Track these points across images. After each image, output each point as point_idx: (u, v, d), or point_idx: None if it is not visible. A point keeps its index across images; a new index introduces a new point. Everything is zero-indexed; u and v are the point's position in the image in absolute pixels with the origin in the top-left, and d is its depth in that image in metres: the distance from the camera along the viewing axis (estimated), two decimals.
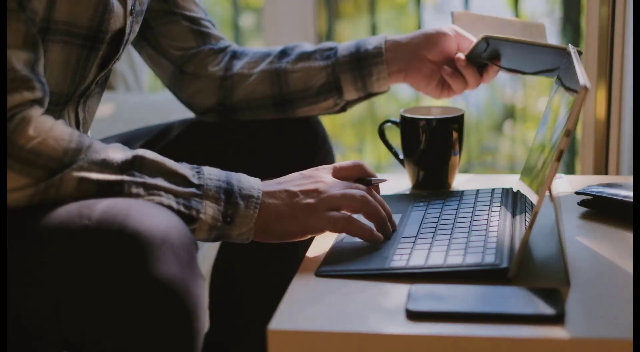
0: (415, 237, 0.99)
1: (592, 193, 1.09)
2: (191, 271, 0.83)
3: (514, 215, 1.03)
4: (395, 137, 1.26)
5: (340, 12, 2.91)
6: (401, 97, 2.92)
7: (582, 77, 0.86)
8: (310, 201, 0.97)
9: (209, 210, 0.92)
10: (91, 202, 0.85)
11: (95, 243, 0.81)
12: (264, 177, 1.00)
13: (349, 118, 2.86)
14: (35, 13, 0.92)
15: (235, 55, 1.32)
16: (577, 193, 1.11)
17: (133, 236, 0.80)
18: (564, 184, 1.23)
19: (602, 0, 1.53)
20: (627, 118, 1.53)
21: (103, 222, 0.82)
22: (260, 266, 1.32)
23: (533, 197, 0.96)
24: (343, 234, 1.03)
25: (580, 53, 1.07)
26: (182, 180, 0.92)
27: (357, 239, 1.00)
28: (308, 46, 1.32)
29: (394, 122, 1.25)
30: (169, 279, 0.81)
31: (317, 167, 1.02)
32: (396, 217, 1.07)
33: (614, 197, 1.06)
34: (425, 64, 1.28)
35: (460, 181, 1.26)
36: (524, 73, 1.28)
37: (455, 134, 1.20)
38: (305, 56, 1.30)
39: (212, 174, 0.95)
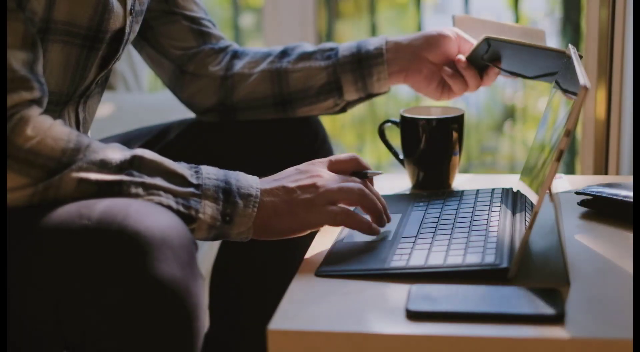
0: (415, 237, 0.99)
1: (592, 193, 1.09)
2: (191, 271, 0.83)
3: (514, 215, 1.04)
4: (395, 137, 1.26)
5: (340, 12, 2.91)
6: (401, 97, 2.92)
7: (582, 77, 0.86)
8: (308, 196, 0.97)
9: (208, 209, 0.92)
10: (91, 202, 0.85)
11: (95, 243, 0.81)
12: (264, 177, 1.00)
13: (349, 118, 2.86)
14: (34, 13, 0.92)
15: (235, 55, 1.32)
16: (577, 193, 1.11)
17: (133, 236, 0.80)
18: (564, 184, 1.23)
19: (602, 0, 1.53)
20: (627, 118, 1.53)
21: (103, 222, 0.82)
22: (260, 266, 1.32)
23: (533, 197, 0.96)
24: (343, 234, 1.03)
25: (580, 57, 1.07)
26: (181, 180, 0.92)
27: (357, 239, 1.01)
28: (309, 46, 1.32)
29: (394, 122, 1.25)
30: (169, 279, 0.81)
31: (313, 161, 1.02)
32: (396, 217, 1.07)
33: (614, 197, 1.06)
34: (426, 65, 1.28)
35: (460, 181, 1.26)
36: (524, 77, 1.28)
37: (455, 134, 1.21)
38: (306, 56, 1.30)
39: (211, 174, 0.95)
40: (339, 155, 1.05)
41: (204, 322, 0.86)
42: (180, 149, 1.31)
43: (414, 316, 0.82)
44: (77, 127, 1.09)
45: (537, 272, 0.91)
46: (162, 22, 1.29)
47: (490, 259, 0.90)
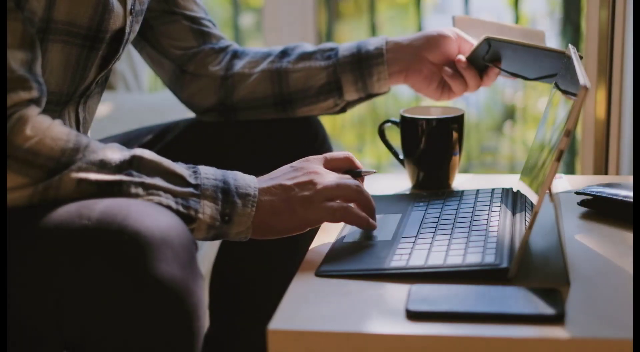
0: (415, 237, 0.99)
1: (592, 193, 1.09)
2: (191, 271, 0.83)
3: (514, 215, 1.03)
4: (395, 137, 1.26)
5: (340, 12, 2.91)
6: (401, 97, 2.92)
7: (582, 77, 0.86)
8: (306, 193, 0.97)
9: (207, 209, 0.92)
10: (91, 202, 0.85)
11: (95, 243, 0.81)
12: (260, 176, 1.00)
13: (349, 118, 2.86)
14: (34, 13, 0.92)
15: (236, 55, 1.32)
16: (577, 193, 1.11)
17: (133, 236, 0.80)
18: (564, 184, 1.23)
19: (602, 1, 1.54)
20: (627, 118, 1.53)
21: (103, 222, 0.82)
22: (260, 265, 1.32)
23: (533, 197, 0.96)
24: (343, 234, 1.03)
25: (581, 57, 1.07)
26: (180, 180, 0.92)
27: (357, 239, 1.01)
28: (309, 46, 1.32)
29: (394, 122, 1.25)
30: (169, 279, 0.81)
31: (307, 158, 1.03)
32: (396, 217, 1.07)
33: (614, 197, 1.06)
34: (426, 66, 1.28)
35: (460, 181, 1.26)
36: (524, 77, 1.28)
37: (455, 134, 1.21)
38: (306, 56, 1.30)
39: (209, 174, 0.95)
40: (333, 153, 1.05)
41: (204, 322, 0.86)
42: (180, 149, 1.31)
43: (413, 316, 0.82)
44: (77, 127, 1.09)
45: (537, 272, 0.91)
46: (162, 21, 1.29)
47: (490, 259, 0.90)
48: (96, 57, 1.04)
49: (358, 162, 1.05)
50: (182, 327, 0.82)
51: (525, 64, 1.23)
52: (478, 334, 0.79)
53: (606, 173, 1.61)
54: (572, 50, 1.02)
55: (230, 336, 1.34)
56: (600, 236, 1.02)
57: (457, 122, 1.21)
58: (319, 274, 0.93)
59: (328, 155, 1.04)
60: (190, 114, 1.37)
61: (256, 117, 1.31)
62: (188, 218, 0.91)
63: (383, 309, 0.84)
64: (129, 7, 1.06)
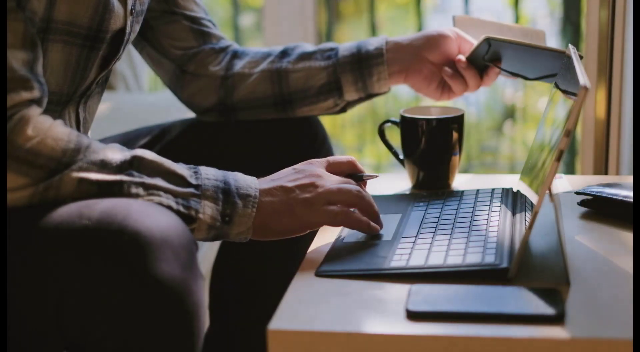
0: (415, 237, 0.99)
1: (592, 193, 1.09)
2: (191, 271, 0.83)
3: (514, 215, 1.04)
4: (395, 137, 1.26)
5: (340, 12, 2.91)
6: (401, 97, 2.92)
7: (582, 77, 0.86)
8: (307, 195, 0.97)
9: (207, 210, 0.92)
10: (91, 202, 0.85)
11: (96, 243, 0.81)
12: (261, 178, 1.00)
13: (349, 118, 2.86)
14: (35, 13, 0.92)
15: (236, 55, 1.33)
16: (577, 193, 1.11)
17: (133, 236, 0.80)
18: (564, 184, 1.23)
19: (602, 0, 1.54)
20: (627, 118, 1.53)
21: (103, 222, 0.82)
22: (260, 266, 1.32)
23: (533, 197, 0.96)
24: (343, 234, 1.03)
25: (581, 57, 1.07)
26: (181, 180, 0.92)
27: (357, 239, 1.01)
28: (309, 46, 1.32)
29: (394, 122, 1.25)
30: (169, 279, 0.81)
31: (310, 161, 1.03)
32: (396, 217, 1.07)
33: (614, 197, 1.06)
34: (426, 65, 1.28)
35: (460, 181, 1.26)
36: (524, 78, 1.28)
37: (455, 134, 1.21)
38: (306, 56, 1.30)
39: (210, 174, 0.95)
40: (336, 156, 1.05)
41: (204, 322, 0.86)
42: (180, 149, 1.31)
43: (414, 316, 0.82)
44: (78, 127, 1.09)
45: (537, 272, 0.91)
46: (162, 22, 1.29)
47: (490, 259, 0.90)
48: (96, 57, 1.04)
49: (361, 167, 1.05)
50: (182, 327, 0.82)
51: (525, 63, 1.23)
52: (478, 334, 0.79)
53: (606, 173, 1.61)
54: (572, 50, 1.02)
55: (230, 336, 1.34)
56: (600, 236, 1.02)
57: (457, 122, 1.21)
58: (319, 274, 0.93)
59: (331, 158, 1.04)
60: (190, 114, 1.38)
61: (256, 117, 1.31)
62: (188, 218, 0.91)
63: (383, 309, 0.85)
64: (129, 7, 1.06)
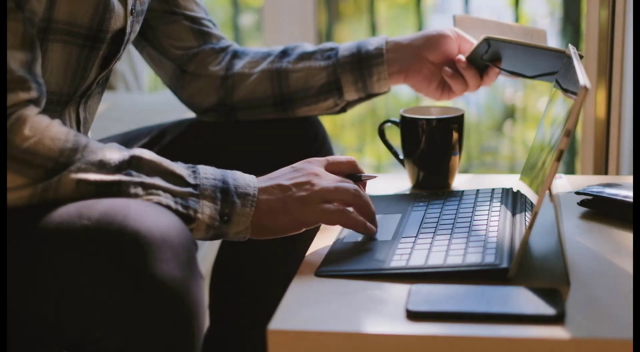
0: (415, 237, 0.99)
1: (592, 193, 1.09)
2: (191, 271, 0.83)
3: (514, 215, 1.03)
4: (395, 137, 1.26)
5: (340, 12, 2.91)
6: (401, 97, 2.92)
7: (582, 77, 0.86)
8: (303, 193, 0.97)
9: (206, 209, 0.92)
10: (91, 202, 0.85)
11: (95, 243, 0.81)
12: (260, 176, 1.00)
13: (349, 118, 2.86)
14: (34, 13, 0.92)
15: (236, 55, 1.32)
16: (577, 193, 1.11)
17: (133, 236, 0.80)
18: (564, 184, 1.23)
19: (602, 0, 1.53)
20: (627, 118, 1.53)
21: (103, 222, 0.82)
22: (260, 265, 1.32)
23: (533, 197, 0.96)
24: (343, 234, 1.03)
25: (581, 57, 1.07)
26: (179, 180, 0.92)
27: (357, 239, 1.01)
28: (309, 46, 1.32)
29: (394, 122, 1.25)
30: (169, 279, 0.81)
31: (309, 159, 1.02)
32: (396, 217, 1.07)
33: (614, 197, 1.06)
34: (426, 65, 1.28)
35: (460, 181, 1.26)
36: (524, 77, 1.28)
37: (455, 134, 1.20)
38: (306, 56, 1.30)
39: (208, 173, 0.95)
40: (336, 156, 1.05)
41: (204, 321, 0.86)
42: (180, 149, 1.31)
43: (414, 316, 0.82)
44: (78, 128, 1.09)
45: (537, 272, 0.91)
46: (162, 22, 1.29)
47: (490, 259, 0.90)
48: (97, 57, 1.04)
49: (360, 167, 1.05)
50: (181, 327, 0.82)
51: (525, 63, 1.23)
52: (478, 334, 0.79)
53: (606, 173, 1.61)
54: (572, 50, 1.02)
55: (230, 336, 1.34)
56: (600, 236, 1.02)
57: (457, 122, 1.21)
58: (319, 274, 0.93)
59: (331, 158, 1.04)
60: (190, 114, 1.37)
61: (256, 117, 1.31)
62: (187, 218, 0.91)
63: (383, 309, 0.85)
64: (129, 7, 1.06)
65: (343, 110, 1.33)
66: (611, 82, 1.55)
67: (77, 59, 1.01)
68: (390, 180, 1.28)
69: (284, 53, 1.31)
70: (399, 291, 0.87)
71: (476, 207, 1.08)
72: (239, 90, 1.30)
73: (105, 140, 1.21)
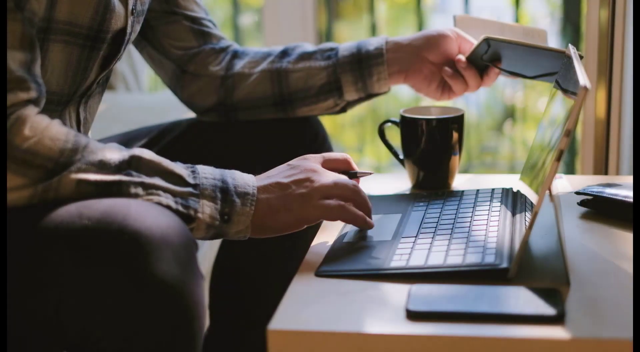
0: (415, 237, 0.99)
1: (592, 193, 1.09)
2: (191, 271, 0.83)
3: (514, 215, 1.04)
4: (395, 137, 1.26)
5: (340, 12, 2.91)
6: (401, 97, 2.92)
7: (582, 77, 0.86)
8: (303, 190, 0.97)
9: (206, 209, 0.92)
10: (91, 202, 0.85)
11: (96, 243, 0.81)
12: (257, 175, 1.00)
13: (349, 118, 2.86)
14: (34, 13, 0.92)
15: (236, 55, 1.33)
16: (577, 193, 1.11)
17: (133, 236, 0.80)
18: (564, 184, 1.23)
19: (602, 0, 1.53)
20: (627, 118, 1.53)
21: (103, 222, 0.82)
22: (260, 266, 1.32)
23: (533, 197, 0.96)
24: (343, 234, 1.03)
25: (581, 57, 1.07)
26: (179, 179, 0.92)
27: (357, 239, 1.01)
28: (309, 46, 1.32)
29: (394, 122, 1.25)
30: (169, 279, 0.81)
31: (305, 156, 1.03)
32: (396, 217, 1.07)
33: (614, 197, 1.06)
34: (426, 65, 1.28)
35: (460, 181, 1.26)
36: (524, 77, 1.28)
37: (455, 134, 1.20)
38: (306, 56, 1.30)
39: (207, 173, 0.95)
40: (331, 153, 1.05)
41: (204, 321, 0.86)
42: (180, 149, 1.31)
43: (414, 316, 0.82)
44: (78, 128, 1.09)
45: (537, 272, 0.91)
46: (163, 22, 1.29)
47: (490, 259, 0.90)
48: (97, 57, 1.04)
49: (355, 165, 1.06)
50: (182, 327, 0.82)
51: (525, 63, 1.23)
52: (478, 334, 0.79)
53: (606, 173, 1.61)
54: (572, 50, 1.02)
55: (230, 336, 1.34)
56: (600, 236, 1.02)
57: (457, 122, 1.21)
58: (319, 274, 0.93)
59: (326, 155, 1.04)
60: (190, 114, 1.38)
61: (256, 117, 1.31)
62: (187, 218, 0.91)
63: (383, 309, 0.85)
64: (130, 7, 1.06)
65: (343, 110, 1.33)
66: (611, 82, 1.55)
67: (77, 59, 1.01)
68: (390, 180, 1.28)
69: (284, 53, 1.31)
70: (399, 291, 0.87)
71: (476, 207, 1.08)
72: (239, 90, 1.30)
73: (105, 140, 1.21)
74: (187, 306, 0.82)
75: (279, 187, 0.97)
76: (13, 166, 0.86)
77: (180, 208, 0.91)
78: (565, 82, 0.98)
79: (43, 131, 0.88)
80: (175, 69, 1.31)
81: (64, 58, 1.00)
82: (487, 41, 1.19)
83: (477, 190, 1.15)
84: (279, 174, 0.99)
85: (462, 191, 1.16)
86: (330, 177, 0.99)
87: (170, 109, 1.93)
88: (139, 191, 0.89)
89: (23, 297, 0.82)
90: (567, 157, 2.53)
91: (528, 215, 1.03)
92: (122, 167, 0.90)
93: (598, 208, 1.09)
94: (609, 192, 1.08)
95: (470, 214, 1.05)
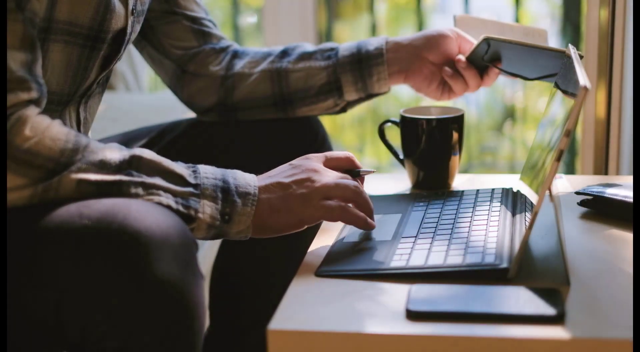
0: (415, 237, 0.99)
1: (592, 193, 1.09)
2: (191, 271, 0.83)
3: (514, 215, 1.04)
4: (395, 137, 1.26)
5: (340, 12, 2.91)
6: (401, 97, 2.92)
7: (582, 77, 0.87)
8: (304, 190, 0.97)
9: (207, 209, 0.92)
10: (91, 202, 0.85)
11: (96, 243, 0.81)
12: (259, 175, 1.00)
13: (349, 118, 2.86)
14: (35, 13, 0.92)
15: (236, 55, 1.33)
16: (577, 193, 1.11)
17: (133, 236, 0.80)
18: (564, 184, 1.23)
19: (602, 0, 1.53)
20: (627, 118, 1.53)
21: (103, 221, 0.82)
22: (261, 265, 1.32)
23: (533, 197, 0.96)
24: (343, 234, 1.03)
25: (581, 56, 1.07)
26: (180, 179, 0.92)
27: (357, 239, 1.01)
28: (309, 46, 1.32)
29: (394, 122, 1.25)
30: (169, 279, 0.81)
31: (307, 156, 1.02)
32: (396, 217, 1.07)
33: (614, 197, 1.06)
34: (426, 65, 1.28)
35: (460, 181, 1.26)
36: (524, 78, 1.28)
37: (455, 134, 1.21)
38: (306, 56, 1.30)
39: (208, 173, 0.95)
40: (334, 152, 1.05)
41: (204, 321, 0.86)
42: (180, 149, 1.31)
43: (414, 316, 0.82)
44: (78, 127, 1.09)
45: (537, 272, 0.91)
46: (163, 22, 1.29)
47: (490, 259, 0.90)
48: (97, 57, 1.04)
49: (358, 163, 1.05)
50: (182, 326, 0.82)
51: (525, 63, 1.23)
52: (478, 334, 0.79)
53: (606, 173, 1.61)
54: (572, 50, 1.02)
55: (230, 336, 1.34)
56: (600, 236, 1.02)
57: (457, 122, 1.21)
58: (319, 274, 0.93)
59: (328, 154, 1.04)
60: (190, 114, 1.38)
61: (256, 117, 1.31)
62: (188, 218, 0.91)
63: (383, 309, 0.85)
64: (130, 7, 1.06)
65: (343, 110, 1.33)
66: (611, 82, 1.55)
67: (77, 59, 1.01)
68: (390, 180, 1.28)
69: (284, 53, 1.31)
70: (399, 291, 0.87)
71: (476, 207, 1.08)
72: (239, 90, 1.30)
73: (105, 140, 1.21)
74: (187, 306, 0.82)
75: (280, 187, 0.97)
76: (13, 166, 0.86)
77: (181, 208, 0.91)
78: (565, 82, 0.98)
79: (44, 131, 0.88)
80: (176, 69, 1.31)
81: (64, 58, 1.00)
82: (487, 41, 1.19)
83: (477, 190, 1.15)
84: (280, 173, 0.99)
85: (462, 191, 1.16)
86: (332, 177, 0.99)
87: (170, 109, 1.93)
88: (140, 190, 0.89)
89: (23, 297, 0.82)
90: (567, 157, 2.53)
91: (528, 215, 1.03)
92: (123, 167, 0.90)
93: (598, 208, 1.09)
94: (609, 192, 1.08)
95: (470, 214, 1.05)
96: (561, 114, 0.92)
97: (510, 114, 2.86)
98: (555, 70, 1.12)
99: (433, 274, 0.90)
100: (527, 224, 0.93)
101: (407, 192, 1.23)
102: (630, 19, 1.47)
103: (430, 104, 1.32)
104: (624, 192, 1.07)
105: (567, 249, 0.94)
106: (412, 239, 0.99)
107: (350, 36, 2.88)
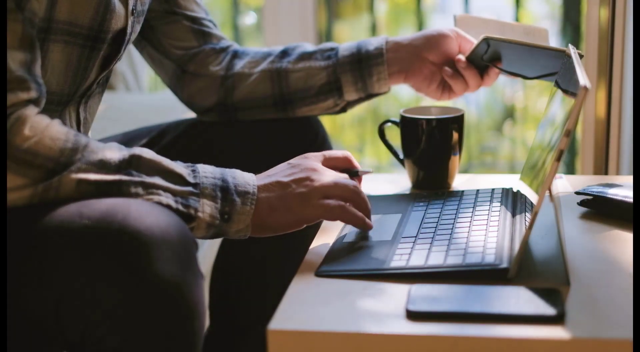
0: (415, 237, 0.99)
1: (592, 193, 1.09)
2: (191, 270, 0.83)
3: (514, 215, 1.03)
4: (395, 137, 1.26)
5: (340, 12, 2.91)
6: (401, 97, 2.92)
7: (582, 77, 0.86)
8: (303, 190, 0.97)
9: (206, 208, 0.92)
10: (91, 201, 0.85)
11: (96, 243, 0.81)
12: (258, 174, 1.00)
13: (349, 118, 2.86)
14: (34, 13, 0.92)
15: (236, 55, 1.33)
16: (577, 193, 1.11)
17: (133, 235, 0.80)
18: (564, 184, 1.23)
19: (602, 0, 1.53)
20: (627, 118, 1.53)
21: (103, 221, 0.82)
22: (260, 265, 1.32)
23: (533, 197, 0.96)
24: (343, 234, 1.03)
25: (581, 56, 1.07)
26: (179, 179, 0.92)
27: (357, 239, 1.01)
28: (309, 46, 1.32)
29: (394, 122, 1.25)
30: (169, 279, 0.81)
31: (306, 155, 1.03)
32: (396, 217, 1.07)
33: (614, 197, 1.06)
34: (426, 65, 1.28)
35: (460, 181, 1.26)
36: (524, 77, 1.28)
37: (455, 134, 1.20)
38: (306, 56, 1.30)
39: (207, 172, 0.95)
40: (332, 151, 1.05)
41: (204, 321, 0.86)
42: (180, 149, 1.31)
43: (414, 316, 0.82)
44: (78, 128, 1.09)
45: (537, 272, 0.91)
46: (163, 22, 1.29)
47: (490, 259, 0.90)
48: (97, 57, 1.04)
49: (356, 163, 1.05)
50: (182, 326, 0.82)
51: (525, 63, 1.23)
52: (478, 334, 0.79)
53: (606, 173, 1.61)
54: (572, 50, 1.02)
55: (230, 336, 1.34)
56: (600, 236, 1.02)
57: (457, 122, 1.21)
58: (319, 274, 0.93)
59: (327, 153, 1.04)
60: (190, 114, 1.38)
61: (256, 117, 1.31)
62: (188, 217, 0.91)
63: (383, 309, 0.84)
64: (130, 7, 1.06)
65: (343, 110, 1.33)
66: (611, 82, 1.55)
67: (77, 59, 1.01)
68: (390, 180, 1.28)
69: (284, 53, 1.31)
70: (399, 291, 0.87)
71: (476, 207, 1.08)
72: (239, 90, 1.30)
73: (105, 140, 1.21)
74: (187, 305, 0.82)
75: (279, 186, 0.97)
76: (13, 166, 0.86)
77: (181, 207, 0.91)
78: (565, 82, 0.98)
79: (43, 131, 0.88)
80: (176, 69, 1.31)
81: (64, 58, 1.00)
82: (486, 41, 1.19)
83: (477, 190, 1.15)
84: (279, 173, 0.99)
85: (462, 191, 1.16)
86: (331, 176, 0.99)
87: (170, 109, 1.93)
88: (139, 190, 0.89)
89: (23, 297, 0.82)
90: (567, 157, 2.53)
91: (528, 215, 1.03)
92: (123, 166, 0.90)
93: (598, 208, 1.09)
94: (609, 192, 1.08)
95: (470, 214, 1.05)
96: (561, 114, 0.92)
97: (510, 114, 2.86)
98: (555, 69, 1.12)
99: (433, 274, 0.90)
100: (527, 224, 0.93)
101: (407, 192, 1.23)
102: (630, 19, 1.47)
103: (430, 104, 1.32)
104: (624, 192, 1.07)
105: (567, 249, 0.94)
106: (412, 239, 0.99)
107: (350, 36, 2.88)
